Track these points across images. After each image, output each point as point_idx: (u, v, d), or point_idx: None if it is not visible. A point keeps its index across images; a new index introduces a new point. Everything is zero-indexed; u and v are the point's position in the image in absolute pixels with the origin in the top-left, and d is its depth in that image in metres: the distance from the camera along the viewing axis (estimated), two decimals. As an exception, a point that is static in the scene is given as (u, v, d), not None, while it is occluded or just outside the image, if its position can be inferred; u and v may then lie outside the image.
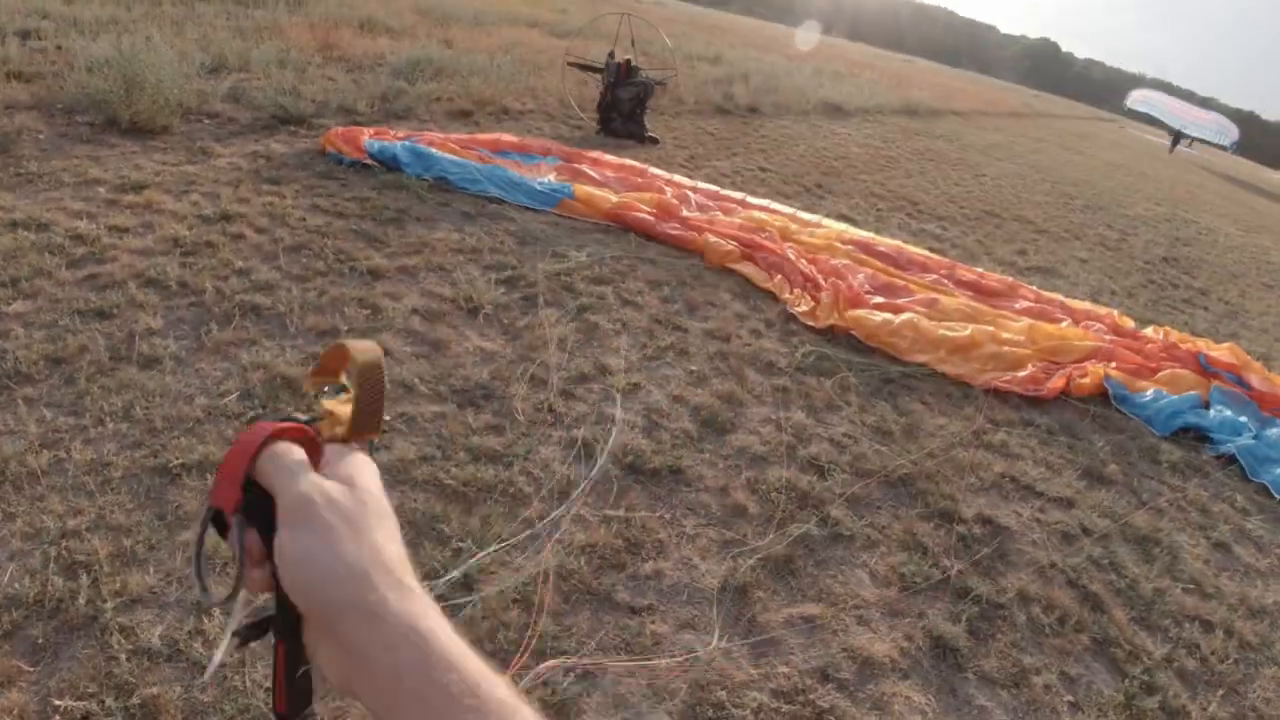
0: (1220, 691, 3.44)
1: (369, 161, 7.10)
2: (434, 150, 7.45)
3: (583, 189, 7.44)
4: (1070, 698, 3.21)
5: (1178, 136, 46.06)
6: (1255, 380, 6.51)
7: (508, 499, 3.39)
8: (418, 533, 3.10)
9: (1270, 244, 18.59)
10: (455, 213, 6.52)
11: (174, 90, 6.91)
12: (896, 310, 6.25)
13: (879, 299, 6.45)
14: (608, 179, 8.18)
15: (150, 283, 4.47)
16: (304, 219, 5.71)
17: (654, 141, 10.91)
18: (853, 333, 5.82)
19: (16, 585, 2.55)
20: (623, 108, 10.80)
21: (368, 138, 7.40)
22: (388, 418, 3.72)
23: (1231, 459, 5.51)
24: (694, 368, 4.87)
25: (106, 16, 9.58)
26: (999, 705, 3.08)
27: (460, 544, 3.08)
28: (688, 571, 3.25)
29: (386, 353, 4.27)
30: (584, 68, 11.56)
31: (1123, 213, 15.70)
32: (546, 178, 7.83)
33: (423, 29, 14.46)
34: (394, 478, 3.35)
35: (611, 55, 10.85)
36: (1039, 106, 51.73)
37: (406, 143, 7.51)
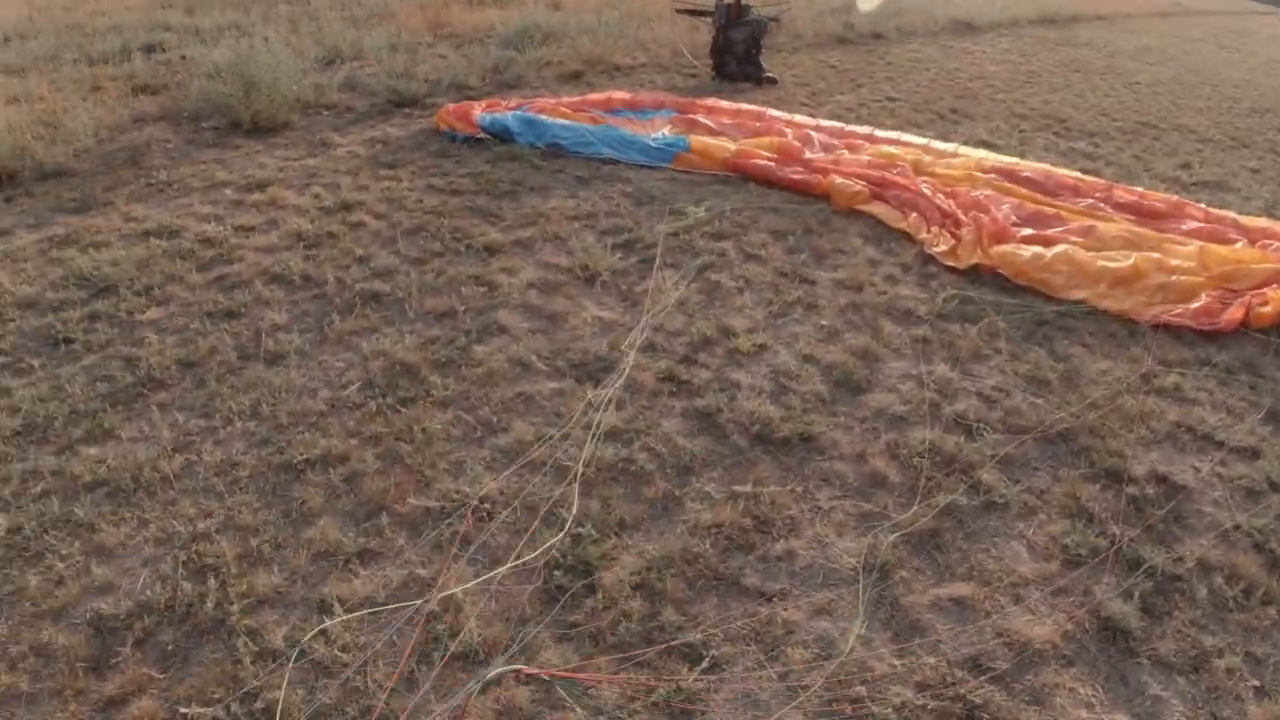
0: None
1: (482, 135, 7.06)
2: (545, 117, 7.33)
3: (698, 140, 7.15)
4: (1256, 682, 2.79)
5: None
6: None
7: (630, 478, 3.25)
8: (533, 517, 3.01)
9: None
10: (569, 178, 6.39)
11: (291, 87, 7.06)
12: (1048, 242, 5.68)
13: (1027, 231, 5.88)
14: (724, 127, 7.84)
15: (275, 279, 4.56)
16: (420, 200, 5.72)
17: (772, 82, 10.42)
18: (999, 271, 5.33)
19: (148, 592, 2.61)
20: (736, 50, 10.34)
21: (479, 111, 7.36)
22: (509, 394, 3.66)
23: None
24: (824, 322, 4.56)
25: (226, 22, 9.94)
26: (1175, 694, 2.70)
27: (580, 529, 2.96)
28: (822, 551, 3.02)
29: (502, 329, 4.21)
30: (693, 13, 11.13)
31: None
32: (660, 132, 7.58)
33: (531, -5, 14.34)
34: (510, 461, 3.27)
35: (723, -4, 10.40)
36: (1188, 3, 46.76)
37: (518, 112, 7.42)
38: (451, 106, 7.46)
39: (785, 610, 2.76)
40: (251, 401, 3.54)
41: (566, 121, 7.37)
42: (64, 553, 2.77)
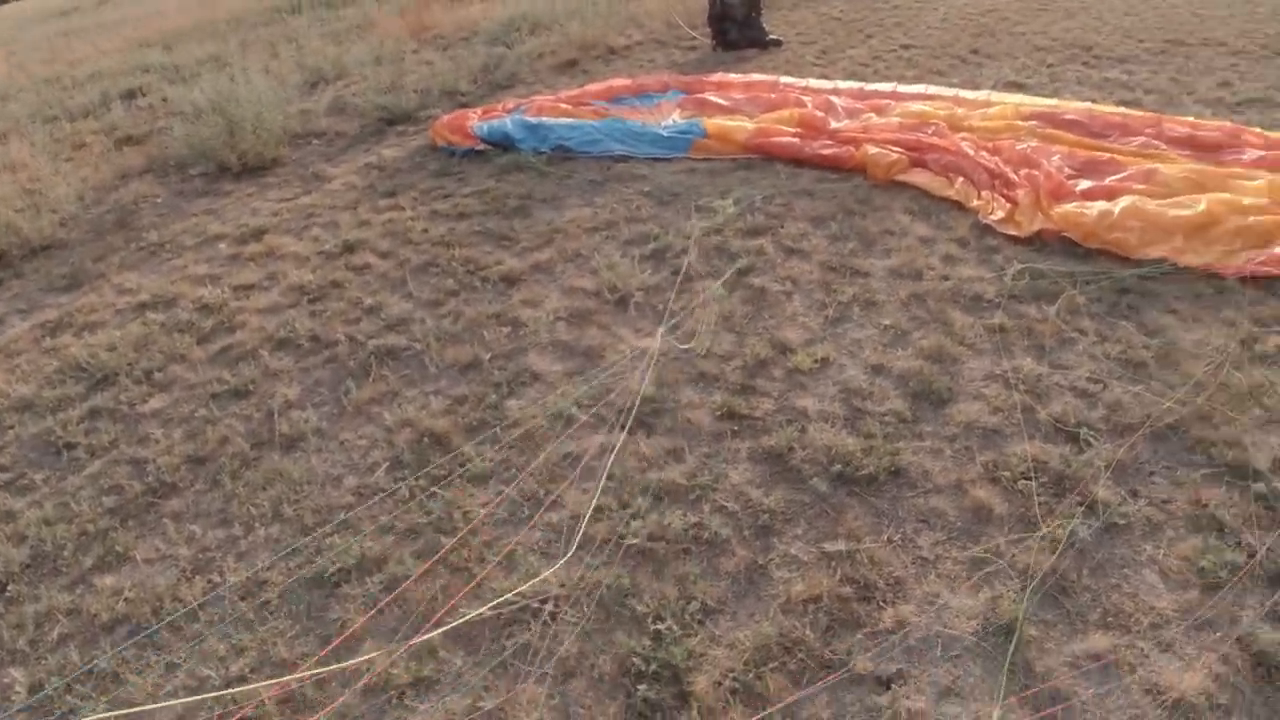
0: None
1: (482, 147, 6.65)
2: (546, 119, 6.89)
3: (714, 123, 6.69)
4: None
5: None
6: None
7: (703, 548, 2.87)
8: (607, 615, 2.63)
9: None
10: (581, 183, 5.97)
11: (276, 119, 6.67)
12: (1111, 195, 5.19)
13: (1086, 184, 5.38)
14: (738, 103, 7.36)
15: (282, 344, 4.20)
16: (426, 230, 5.33)
17: (777, 44, 9.89)
18: (1066, 235, 4.86)
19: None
20: (736, 14, 9.81)
21: (475, 120, 6.94)
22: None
23: None
24: (887, 322, 4.13)
25: (205, 55, 9.57)
26: None
27: (659, 624, 2.58)
28: (937, 615, 2.62)
29: (535, 376, 3.82)
30: (686, -20, 10.62)
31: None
32: (671, 118, 7.12)
33: (513, -17, 13.83)
34: (562, 542, 2.89)
35: (712, -40, 9.86)
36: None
37: (515, 115, 7.00)
38: (446, 118, 7.04)
39: (909, 698, 2.37)
40: (271, 500, 3.19)
41: (570, 120, 6.93)
42: (88, 711, 2.44)
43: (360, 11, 12.01)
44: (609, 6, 11.14)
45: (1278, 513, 2.99)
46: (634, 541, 2.88)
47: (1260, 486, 3.08)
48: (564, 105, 7.31)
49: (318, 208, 5.79)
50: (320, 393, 3.82)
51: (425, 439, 3.43)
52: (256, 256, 5.11)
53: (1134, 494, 3.07)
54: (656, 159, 6.39)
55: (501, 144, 6.60)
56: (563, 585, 2.73)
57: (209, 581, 2.88)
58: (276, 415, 3.65)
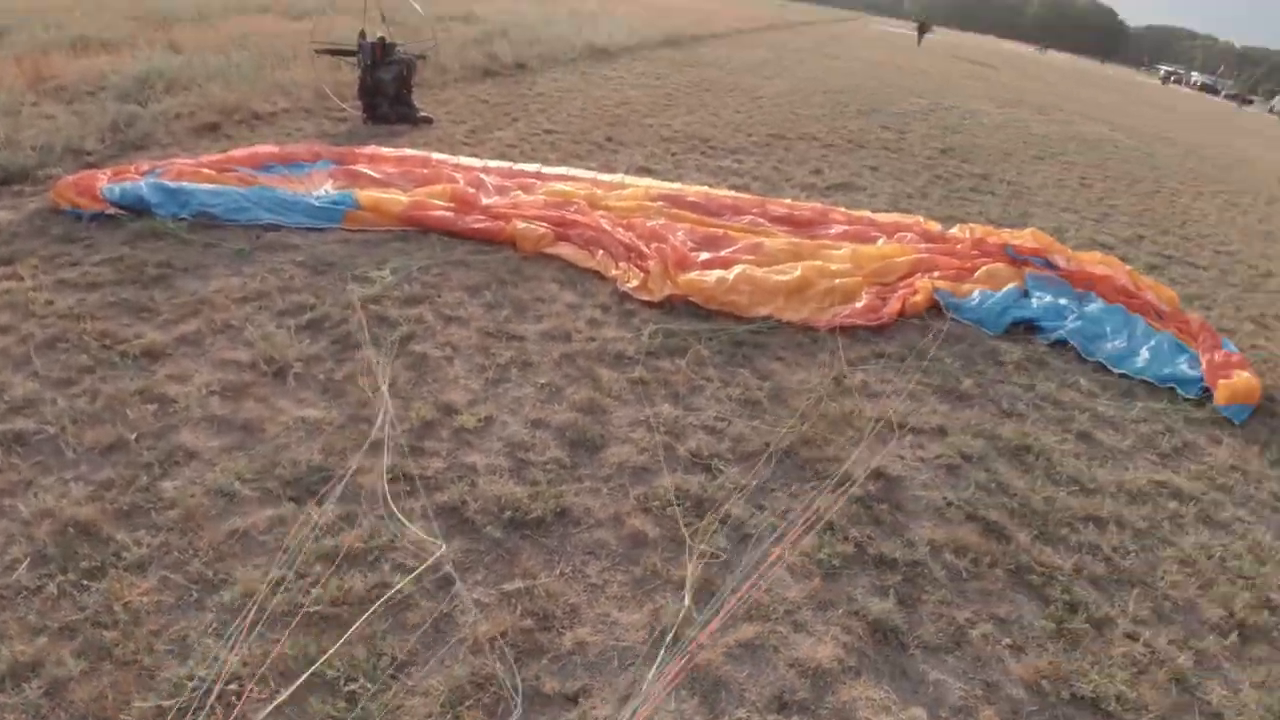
0: (1134, 590, 3.53)
1: (112, 211, 6.10)
2: (187, 183, 6.51)
3: (367, 194, 6.75)
4: (1008, 641, 3.19)
5: (923, 27, 48.74)
6: (1061, 261, 6.86)
7: (388, 606, 2.93)
8: (298, 685, 2.60)
9: (1027, 116, 20.09)
10: (228, 253, 5.71)
11: None
12: (726, 264, 6.08)
13: (705, 255, 6.25)
14: (390, 176, 7.48)
15: None
16: (51, 302, 4.79)
17: (428, 121, 10.17)
18: (691, 299, 5.60)
19: None
20: (387, 90, 9.96)
21: (105, 182, 6.36)
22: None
23: (1063, 343, 5.77)
24: (543, 380, 4.48)
25: None
26: (950, 673, 3.00)
27: (352, 685, 2.61)
28: (610, 631, 2.93)
29: (190, 454, 3.63)
30: (334, 53, 10.57)
31: (894, 111, 16.38)
32: (323, 188, 7.05)
33: (143, 36, 12.79)
34: (239, 621, 2.80)
35: (363, 35, 9.97)
36: (790, 15, 53.51)
37: (151, 178, 6.53)
38: (71, 178, 6.37)
39: (595, 708, 2.63)
40: None
41: (214, 186, 6.60)
42: None
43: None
44: (254, 71, 10.75)
45: (873, 511, 3.75)
46: (316, 609, 2.87)
47: (857, 490, 3.83)
48: (207, 170, 6.94)
49: (-99, 285, 4.96)
50: (-74, 493, 3.31)
51: (70, 529, 3.11)
52: None
53: (760, 508, 3.66)
54: (309, 229, 6.30)
55: (135, 208, 6.11)
56: (245, 664, 2.65)
57: None
58: None
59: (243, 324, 4.76)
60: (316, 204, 6.54)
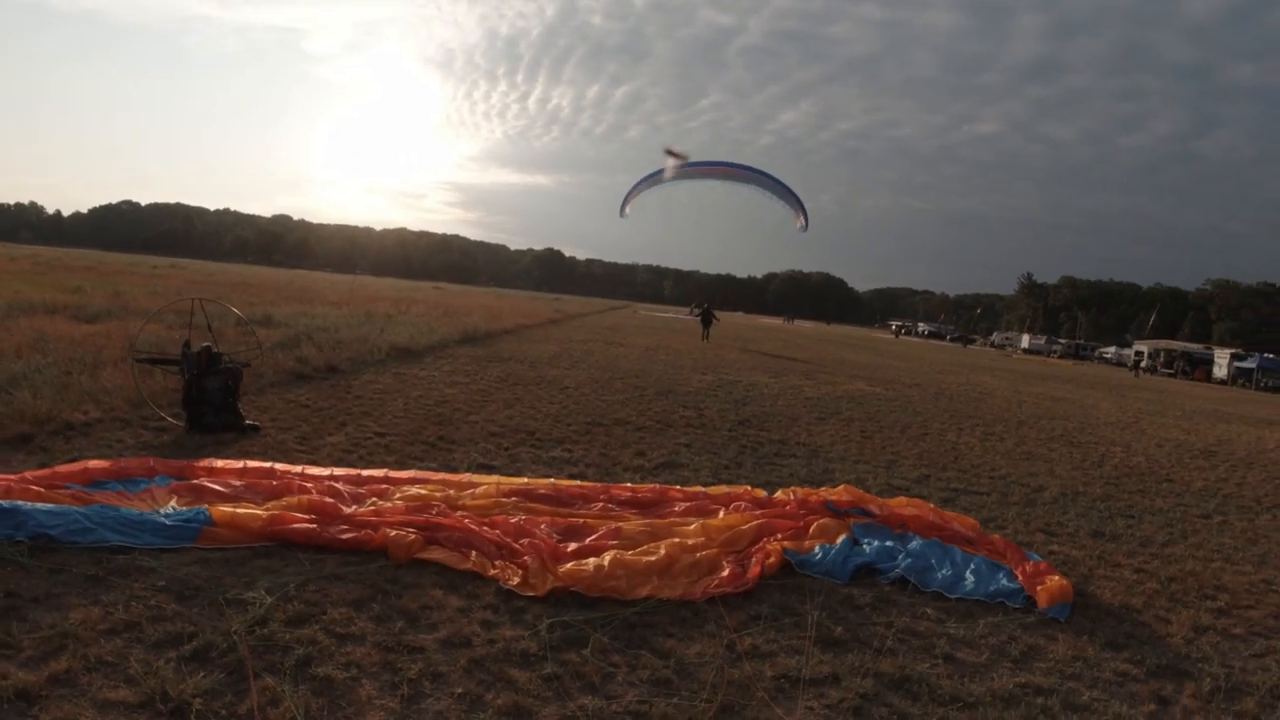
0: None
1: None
2: (19, 502, 6.09)
3: (221, 510, 6.58)
4: None
5: (701, 309, 53.76)
6: (875, 508, 7.80)
7: None
8: None
9: (798, 382, 22.64)
10: (78, 579, 5.32)
11: None
12: (595, 551, 6.41)
13: (573, 545, 6.57)
14: (237, 490, 7.34)
15: None
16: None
17: (255, 429, 10.09)
18: (573, 589, 5.83)
19: None
20: (214, 399, 9.88)
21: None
22: None
23: (903, 580, 6.50)
24: (460, 690, 4.47)
25: None
26: None
27: None
28: None
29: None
30: (155, 362, 10.47)
31: (685, 391, 18.01)
32: (169, 505, 6.79)
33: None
34: None
35: (188, 344, 10.02)
36: (566, 309, 57.92)
37: (-26, 500, 6.05)
38: None
39: None
40: None
41: (50, 505, 6.20)
42: None
43: None
44: (60, 377, 10.33)
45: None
46: None
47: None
48: (34, 487, 6.54)
49: None
50: None
51: None
52: None
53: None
54: (161, 549, 6.02)
55: (-41, 533, 5.62)
56: None
57: None
58: None
59: (120, 660, 4.46)
60: (167, 522, 6.30)
